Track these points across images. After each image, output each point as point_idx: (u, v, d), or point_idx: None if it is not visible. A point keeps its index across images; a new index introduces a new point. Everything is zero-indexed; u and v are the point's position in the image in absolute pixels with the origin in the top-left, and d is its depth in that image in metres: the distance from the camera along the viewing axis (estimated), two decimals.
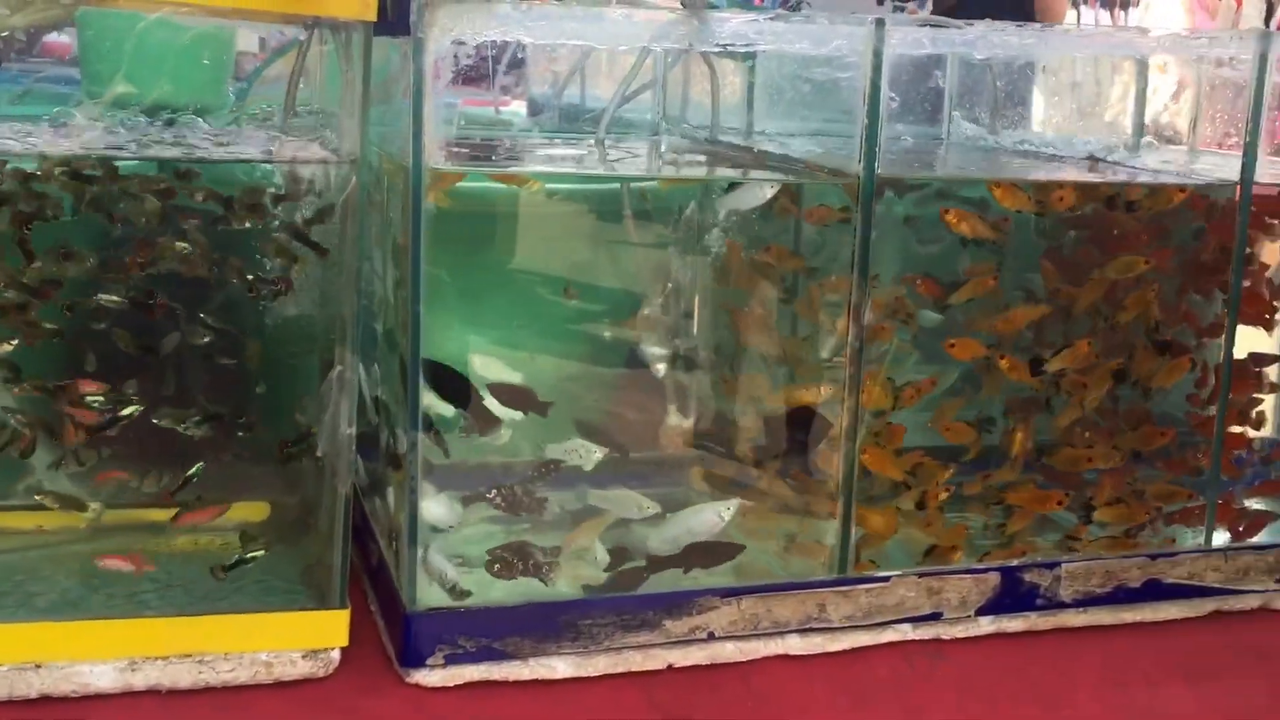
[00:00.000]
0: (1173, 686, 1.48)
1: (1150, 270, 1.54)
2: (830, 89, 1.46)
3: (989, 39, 1.40)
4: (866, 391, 1.44)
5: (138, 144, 1.36)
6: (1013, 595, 1.49)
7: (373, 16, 1.27)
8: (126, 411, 1.36)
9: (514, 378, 1.47)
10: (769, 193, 1.51)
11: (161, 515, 1.41)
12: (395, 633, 1.36)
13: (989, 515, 1.56)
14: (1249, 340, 1.63)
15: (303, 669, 1.32)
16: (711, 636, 1.40)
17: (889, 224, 1.48)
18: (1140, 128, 1.87)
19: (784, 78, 1.80)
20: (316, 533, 1.40)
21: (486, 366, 1.46)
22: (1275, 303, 1.63)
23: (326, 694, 1.32)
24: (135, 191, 1.36)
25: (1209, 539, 1.57)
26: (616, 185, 1.62)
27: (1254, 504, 1.67)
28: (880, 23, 1.35)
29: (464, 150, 1.65)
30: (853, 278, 1.41)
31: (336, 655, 1.34)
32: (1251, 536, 1.61)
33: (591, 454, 1.50)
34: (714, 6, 1.48)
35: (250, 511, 1.51)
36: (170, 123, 1.40)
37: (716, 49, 1.40)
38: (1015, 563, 1.49)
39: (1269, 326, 1.64)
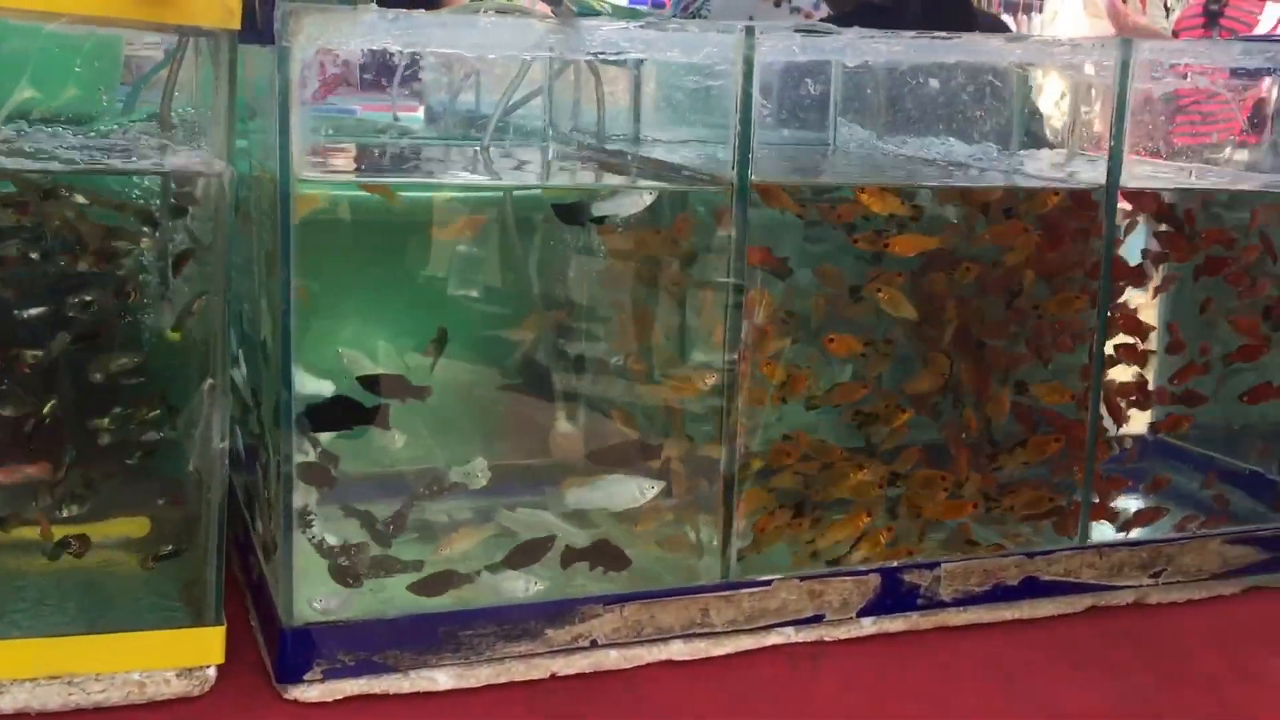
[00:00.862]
0: (1052, 679, 1.50)
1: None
2: (718, 95, 1.47)
3: (859, 46, 1.41)
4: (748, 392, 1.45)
5: None
6: (893, 596, 1.51)
7: (236, 25, 1.25)
8: None
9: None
10: (647, 200, 1.51)
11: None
12: (273, 648, 1.34)
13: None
14: None
15: (177, 688, 1.30)
16: (595, 644, 1.40)
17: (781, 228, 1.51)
18: (1023, 133, 1.91)
19: (669, 85, 1.81)
20: (194, 548, 1.38)
21: (355, 361, 1.44)
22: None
23: (202, 713, 1.30)
24: None
25: (1084, 536, 1.60)
26: (499, 193, 1.62)
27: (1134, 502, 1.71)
28: (750, 30, 1.37)
29: (351, 158, 1.65)
30: (729, 281, 1.42)
31: (212, 673, 1.32)
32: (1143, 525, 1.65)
33: (478, 475, 1.50)
34: (595, 13, 1.48)
35: (131, 527, 1.49)
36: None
37: (587, 57, 1.41)
38: (895, 564, 1.51)
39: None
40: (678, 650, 1.44)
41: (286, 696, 1.32)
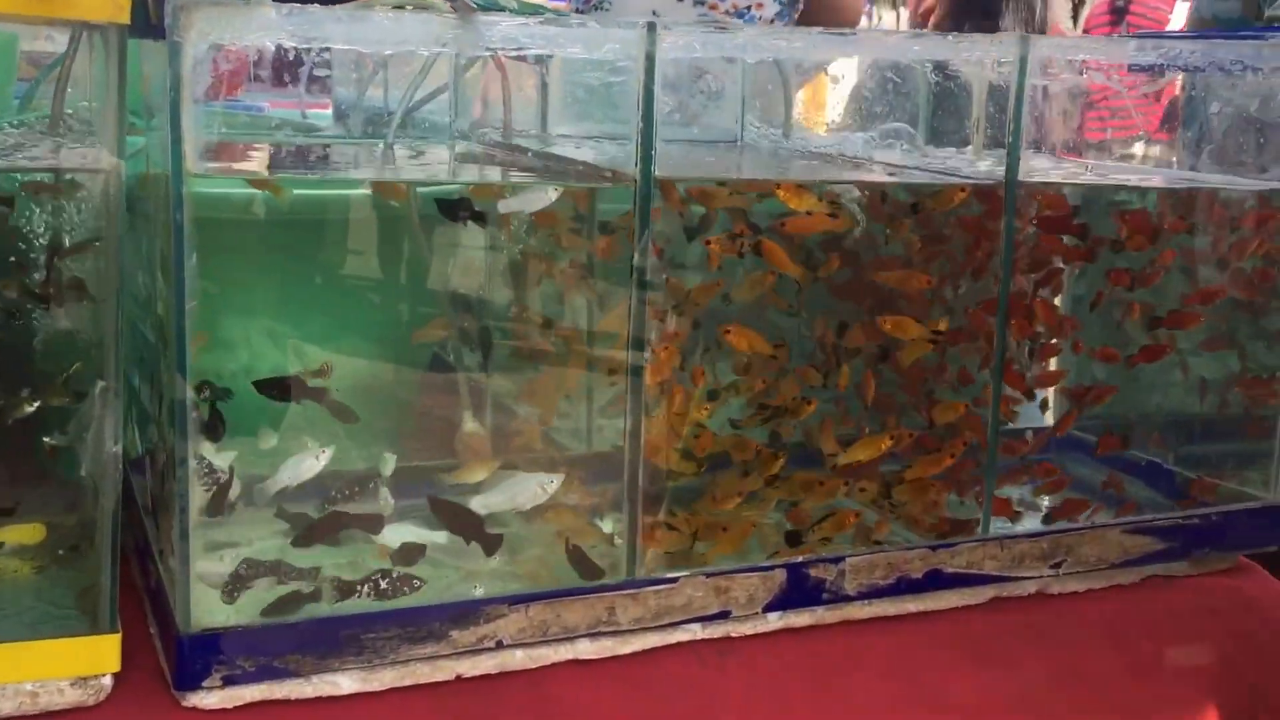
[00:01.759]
0: (955, 670, 1.53)
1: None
2: (621, 92, 1.47)
3: (760, 43, 1.42)
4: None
5: None
6: (799, 591, 1.51)
7: (125, 19, 1.22)
8: None
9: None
10: (552, 196, 1.51)
11: None
12: (171, 655, 1.32)
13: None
14: None
15: (71, 697, 1.27)
16: (500, 645, 1.39)
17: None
18: (927, 130, 1.93)
19: (574, 82, 1.81)
20: (89, 555, 1.35)
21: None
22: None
23: None
24: None
25: (986, 528, 1.62)
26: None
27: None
28: (651, 26, 1.36)
29: (256, 156, 1.63)
30: (632, 280, 1.42)
31: (108, 681, 1.29)
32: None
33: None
34: (499, 8, 1.47)
35: (25, 534, 1.46)
36: None
37: (486, 54, 1.40)
38: (800, 559, 1.52)
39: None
40: (584, 649, 1.43)
41: (185, 704, 1.29)
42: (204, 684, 1.28)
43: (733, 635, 1.50)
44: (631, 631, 1.45)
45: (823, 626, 1.54)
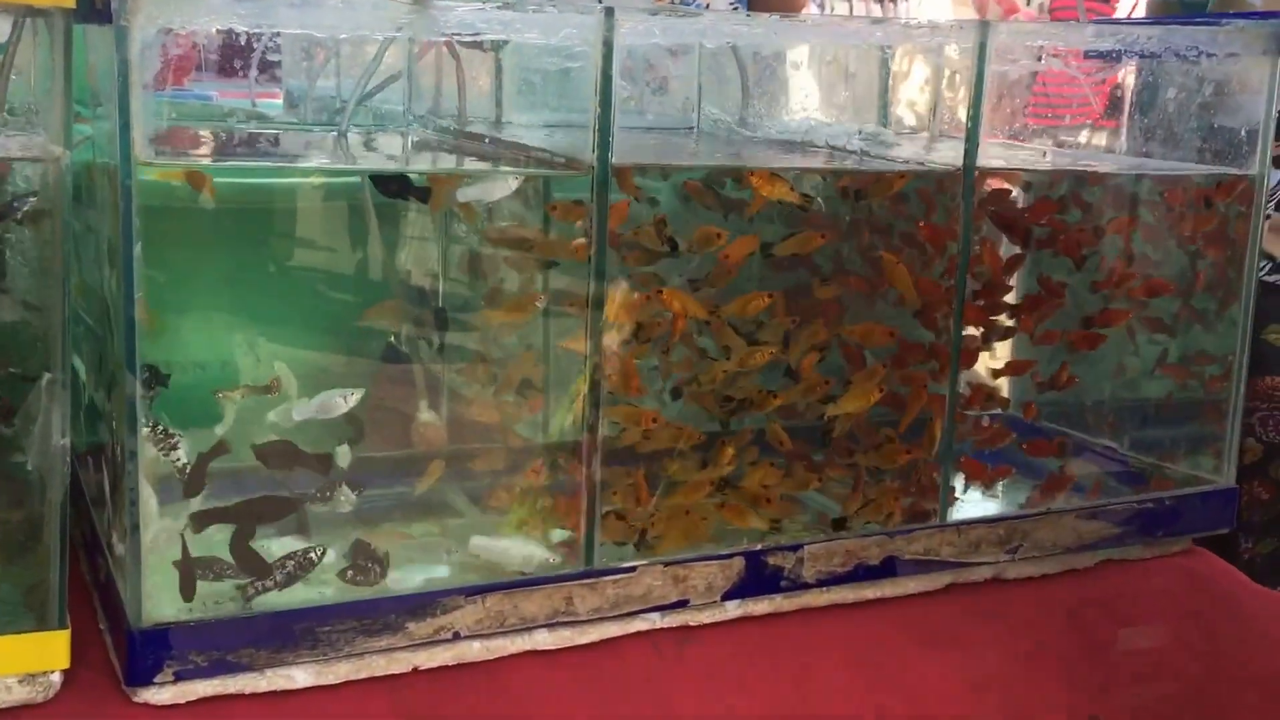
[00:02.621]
0: (913, 655, 1.53)
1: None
2: (578, 78, 1.46)
3: (719, 28, 1.41)
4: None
5: None
6: (757, 578, 1.51)
7: (69, 2, 1.20)
8: None
9: None
10: (512, 185, 1.49)
11: None
12: (121, 651, 1.29)
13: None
14: None
15: (19, 695, 1.25)
16: (457, 636, 1.38)
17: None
18: (885, 117, 1.93)
19: (531, 69, 1.79)
20: (36, 550, 1.33)
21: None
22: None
23: (48, 718, 1.25)
24: None
25: (944, 515, 1.62)
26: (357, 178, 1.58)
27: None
28: (610, 12, 1.35)
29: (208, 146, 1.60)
30: (590, 267, 1.41)
31: (57, 678, 1.27)
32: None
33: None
34: None
35: None
36: None
37: (442, 39, 1.38)
38: (759, 546, 1.51)
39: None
40: (542, 640, 1.43)
41: (136, 700, 1.27)
42: (155, 679, 1.26)
43: (691, 624, 1.50)
44: (590, 621, 1.45)
45: (781, 614, 1.54)
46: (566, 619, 1.43)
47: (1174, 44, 1.67)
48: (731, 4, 2.31)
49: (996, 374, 1.76)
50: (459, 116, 1.78)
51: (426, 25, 1.29)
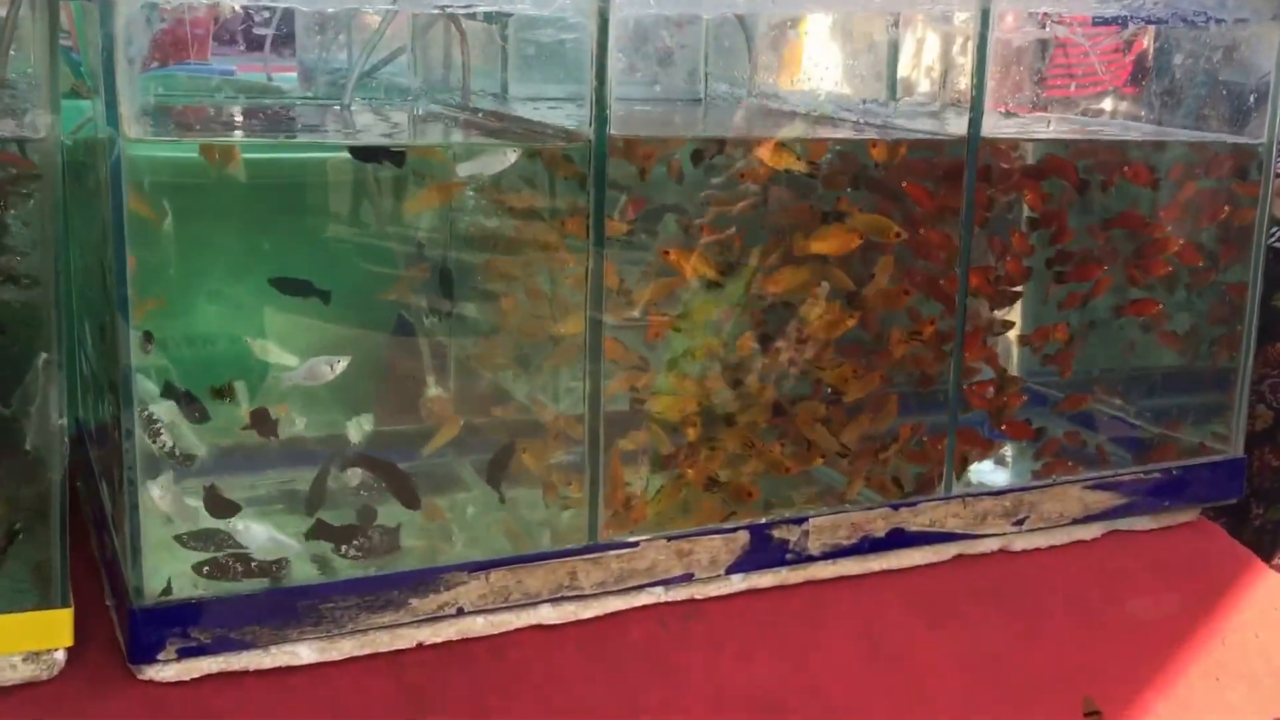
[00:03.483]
0: (914, 631, 1.53)
1: None
2: (575, 51, 1.44)
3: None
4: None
5: None
6: (762, 552, 1.51)
7: None
8: None
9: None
10: (511, 158, 1.48)
11: None
12: (125, 628, 1.30)
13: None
14: None
15: (24, 673, 1.25)
16: (461, 612, 1.38)
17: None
18: (893, 86, 1.91)
19: (531, 41, 1.78)
20: (43, 529, 1.33)
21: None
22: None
23: (52, 696, 1.26)
24: None
25: (949, 486, 1.61)
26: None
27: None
28: None
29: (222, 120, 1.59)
30: (590, 240, 1.40)
31: (61, 656, 1.27)
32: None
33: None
34: None
35: None
36: None
37: (434, 10, 1.36)
38: (764, 520, 1.51)
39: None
40: (546, 614, 1.43)
41: (141, 677, 1.28)
42: (159, 657, 1.27)
43: (696, 597, 1.49)
44: (594, 596, 1.44)
45: (786, 587, 1.54)
46: (570, 593, 1.43)
47: (1181, 9, 1.65)
48: None
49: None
50: (463, 90, 1.77)
51: (419, 2, 1.28)
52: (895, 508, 1.57)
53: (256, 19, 1.58)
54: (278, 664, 1.32)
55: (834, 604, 1.53)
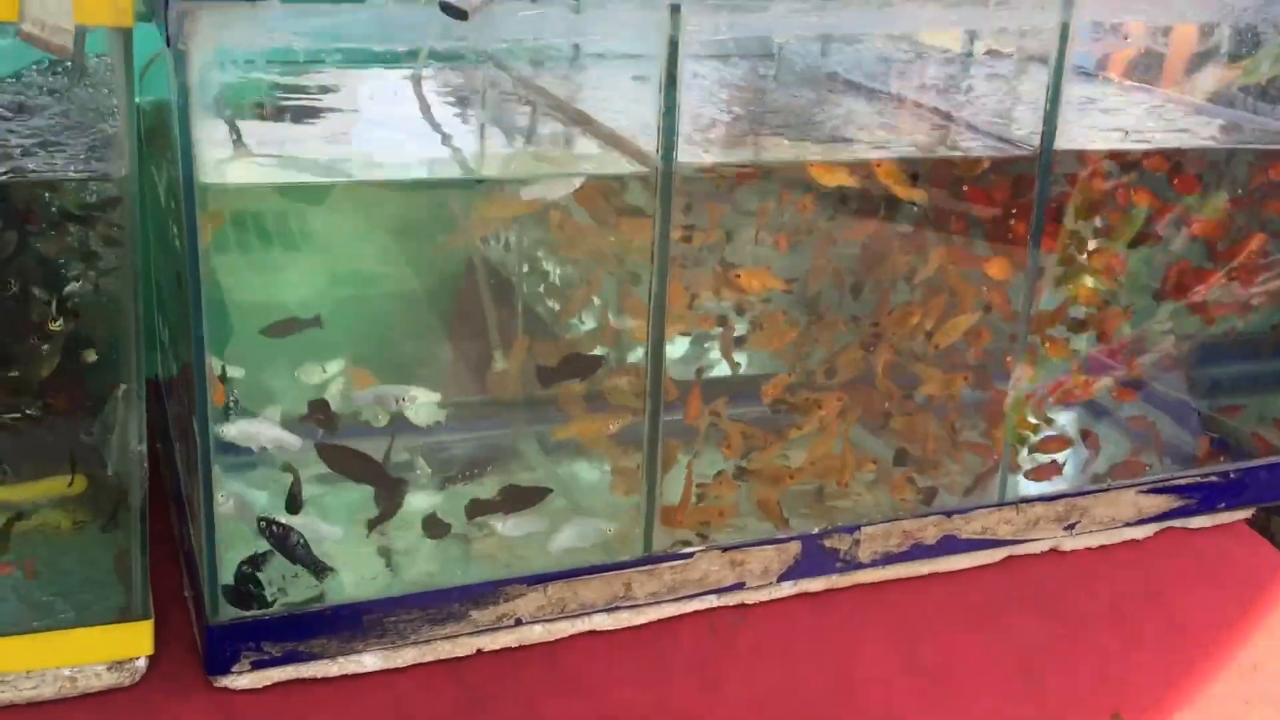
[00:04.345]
0: (956, 636, 1.56)
1: None
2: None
3: (788, 21, 1.36)
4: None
5: None
6: (814, 562, 1.54)
7: (129, 23, 1.19)
8: None
9: None
10: (576, 184, 1.48)
11: None
12: (201, 641, 1.37)
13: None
14: None
15: (108, 680, 1.33)
16: (519, 622, 1.44)
17: None
18: None
19: None
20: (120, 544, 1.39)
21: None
22: None
23: (133, 702, 1.34)
24: None
25: (1002, 494, 1.63)
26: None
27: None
28: (675, 9, 1.31)
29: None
30: (652, 265, 1.40)
31: (142, 664, 1.34)
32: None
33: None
34: None
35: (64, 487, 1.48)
36: None
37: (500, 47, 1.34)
38: (816, 530, 1.54)
39: None
40: (601, 622, 1.48)
41: (216, 685, 1.35)
42: (234, 669, 1.34)
43: (746, 602, 1.54)
44: (648, 604, 1.49)
45: (835, 591, 1.57)
46: (625, 603, 1.48)
47: (1273, 15, 1.59)
48: None
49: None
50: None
51: (487, 35, 1.26)
52: (948, 515, 1.59)
53: None
54: (344, 672, 1.39)
55: (879, 608, 1.57)
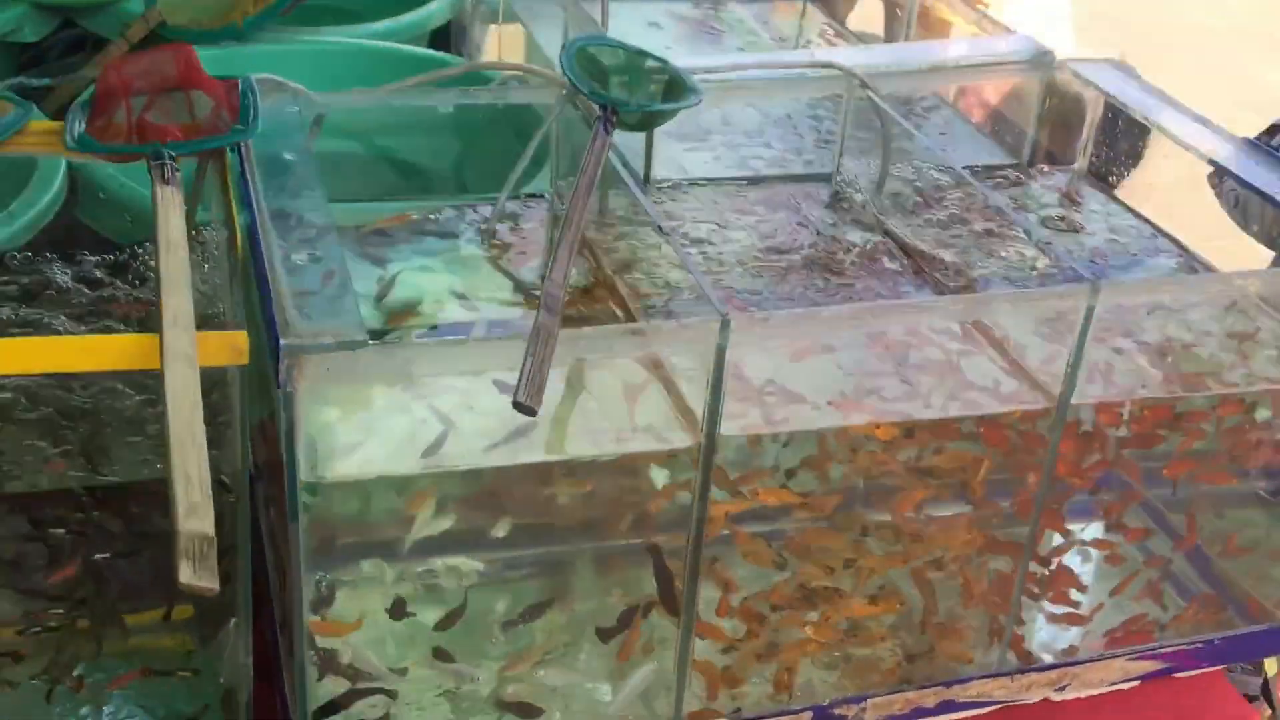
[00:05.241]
0: None
1: None
2: None
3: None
4: None
5: None
6: None
7: (245, 361, 1.32)
8: None
9: None
10: None
11: None
12: None
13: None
14: None
15: None
16: None
17: None
18: None
19: None
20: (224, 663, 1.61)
21: None
22: None
23: None
24: None
25: (1000, 664, 1.81)
26: None
27: None
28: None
29: None
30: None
31: None
32: None
33: None
34: None
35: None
36: None
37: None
38: (827, 701, 1.74)
39: None
40: None
41: None
42: None
43: None
44: None
45: None
46: None
47: None
48: None
49: None
50: None
51: None
52: (948, 685, 1.79)
53: None
54: None
55: None
